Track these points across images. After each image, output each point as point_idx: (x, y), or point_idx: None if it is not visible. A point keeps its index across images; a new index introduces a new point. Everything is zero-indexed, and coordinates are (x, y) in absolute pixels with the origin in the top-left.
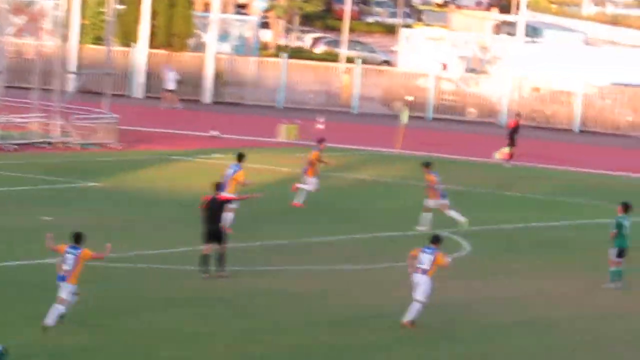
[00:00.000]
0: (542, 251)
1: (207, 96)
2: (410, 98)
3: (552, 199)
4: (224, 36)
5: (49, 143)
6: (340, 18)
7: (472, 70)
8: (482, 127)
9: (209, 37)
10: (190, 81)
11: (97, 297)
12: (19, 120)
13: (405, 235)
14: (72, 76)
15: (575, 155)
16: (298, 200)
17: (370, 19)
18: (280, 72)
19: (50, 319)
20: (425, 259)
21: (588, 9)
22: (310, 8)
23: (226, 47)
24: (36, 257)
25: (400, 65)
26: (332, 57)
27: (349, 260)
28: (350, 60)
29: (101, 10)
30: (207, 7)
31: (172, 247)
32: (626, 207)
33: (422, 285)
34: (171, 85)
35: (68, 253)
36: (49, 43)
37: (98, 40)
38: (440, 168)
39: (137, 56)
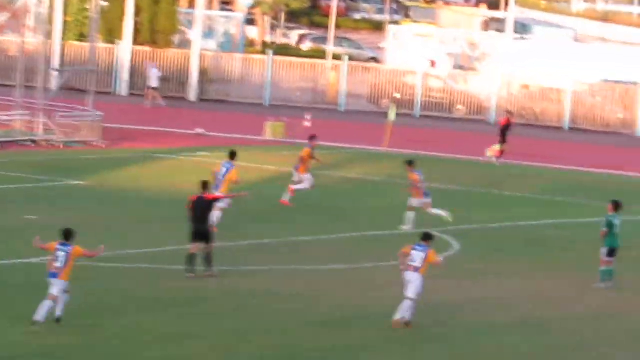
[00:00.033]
0: (532, 250)
1: (192, 93)
2: (398, 95)
3: (541, 197)
4: (209, 33)
5: (33, 141)
6: (326, 14)
7: (461, 68)
8: (471, 125)
9: (194, 34)
10: (175, 78)
11: (81, 297)
12: (2, 118)
13: (393, 234)
14: (55, 73)
15: (565, 153)
16: (286, 199)
17: (357, 16)
18: (266, 69)
19: (40, 315)
20: (417, 256)
21: (578, 5)
22: (296, 4)
23: (211, 44)
24: (20, 257)
25: (388, 63)
26: (318, 54)
27: (336, 259)
28: (337, 57)
29: (85, 6)
30: (191, 4)
31: (158, 246)
32: (616, 206)
33: (413, 283)
34: (154, 82)
35: (59, 250)
36: (32, 40)
37: (82, 37)
38: (428, 166)
39: (121, 53)
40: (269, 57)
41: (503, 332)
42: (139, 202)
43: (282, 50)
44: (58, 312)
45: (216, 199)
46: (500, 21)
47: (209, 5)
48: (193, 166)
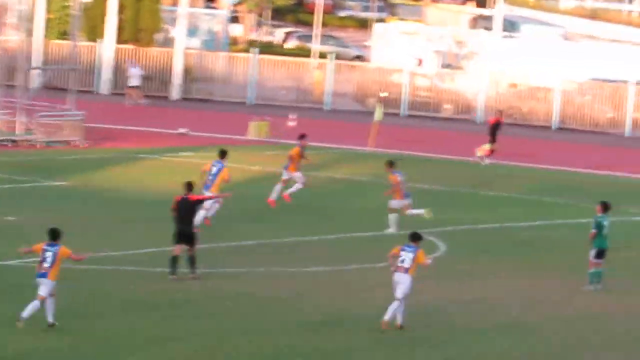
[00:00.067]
0: (519, 252)
1: (176, 92)
2: (384, 94)
3: (529, 198)
4: (192, 31)
5: (13, 141)
6: (312, 12)
7: (448, 66)
8: (458, 124)
9: (178, 32)
10: (158, 77)
11: (63, 299)
12: None
13: (379, 235)
14: (36, 72)
15: (553, 153)
16: (273, 198)
17: (343, 13)
18: (250, 67)
19: (26, 312)
20: (406, 257)
21: (566, 2)
22: (281, 2)
23: (195, 42)
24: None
25: (374, 61)
26: (304, 52)
27: (321, 261)
28: (322, 55)
29: (67, 4)
30: (175, 1)
31: (140, 247)
32: (605, 207)
33: (402, 284)
34: (135, 81)
35: (46, 251)
36: (13, 38)
37: (63, 35)
38: (414, 166)
39: (103, 51)
40: (255, 56)
41: (490, 334)
42: (121, 203)
43: (267, 48)
44: (50, 318)
45: (201, 201)
46: (488, 19)
47: (193, 3)
48: (176, 166)
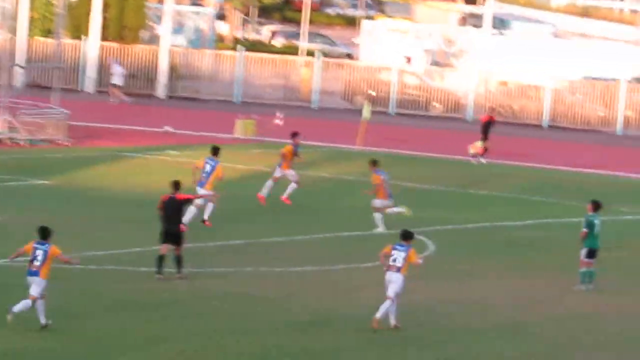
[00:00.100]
0: (510, 251)
1: (161, 90)
2: (373, 92)
3: (519, 197)
4: (178, 28)
5: None
6: (299, 10)
7: (437, 64)
8: (447, 123)
9: (163, 30)
10: (143, 75)
11: (47, 300)
12: None
13: (367, 234)
14: (20, 70)
15: (544, 151)
16: (263, 194)
17: (330, 11)
18: (237, 65)
19: (18, 308)
20: (399, 256)
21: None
22: None
23: (181, 40)
24: None
25: (362, 59)
26: (291, 50)
27: (310, 260)
28: (310, 53)
29: (51, 2)
30: None
31: (125, 247)
32: (596, 206)
33: (394, 283)
34: (117, 79)
35: (37, 249)
36: None
37: (48, 33)
38: (403, 165)
39: (88, 49)
40: (241, 54)
41: (481, 335)
42: (105, 202)
43: (254, 46)
44: (42, 320)
45: (188, 200)
46: (478, 16)
47: (179, 0)
48: (161, 165)
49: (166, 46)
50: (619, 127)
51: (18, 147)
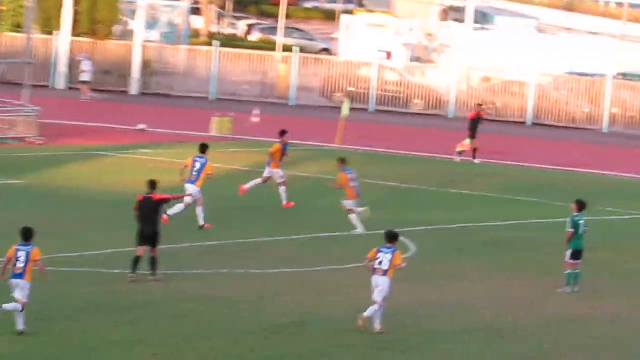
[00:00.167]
0: (493, 252)
1: (134, 87)
2: (351, 89)
3: (502, 196)
4: (151, 23)
5: None
6: (276, 3)
7: (417, 59)
8: (428, 120)
9: (136, 24)
10: (115, 71)
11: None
12: None
13: (347, 235)
14: None
15: (528, 149)
16: (246, 187)
17: (308, 5)
18: (212, 61)
19: (8, 306)
20: (384, 258)
21: None
22: None
23: (154, 35)
24: None
25: (341, 54)
26: (267, 45)
27: (287, 262)
28: (287, 48)
29: None
30: None
31: (99, 248)
32: (581, 205)
33: (381, 286)
34: (85, 76)
35: (19, 250)
36: None
37: (17, 27)
38: (382, 164)
39: (58, 44)
40: (215, 49)
41: (463, 338)
42: (78, 202)
43: (229, 41)
44: (20, 326)
45: (164, 200)
46: (459, 10)
47: None
48: (134, 164)
49: (139, 41)
50: (604, 124)
51: None
